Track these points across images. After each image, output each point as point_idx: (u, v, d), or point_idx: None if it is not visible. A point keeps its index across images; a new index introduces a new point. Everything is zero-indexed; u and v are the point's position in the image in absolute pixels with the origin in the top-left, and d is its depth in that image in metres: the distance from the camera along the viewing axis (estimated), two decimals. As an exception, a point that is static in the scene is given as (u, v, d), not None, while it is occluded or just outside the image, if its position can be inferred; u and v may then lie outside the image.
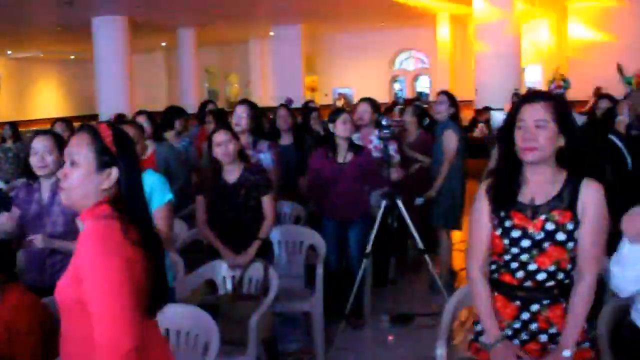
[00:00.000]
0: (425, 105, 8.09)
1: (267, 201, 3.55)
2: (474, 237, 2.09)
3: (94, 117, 15.58)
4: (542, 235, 1.94)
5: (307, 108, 6.80)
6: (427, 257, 4.11)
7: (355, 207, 4.19)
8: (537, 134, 1.90)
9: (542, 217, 1.95)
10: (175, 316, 2.58)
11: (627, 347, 2.13)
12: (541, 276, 1.96)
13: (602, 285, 3.00)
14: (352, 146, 4.19)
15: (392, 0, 14.14)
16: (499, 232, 1.99)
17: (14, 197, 3.11)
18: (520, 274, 1.98)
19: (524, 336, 2.00)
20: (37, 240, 2.80)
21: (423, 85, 22.10)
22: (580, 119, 6.35)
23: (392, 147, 4.56)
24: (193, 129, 6.52)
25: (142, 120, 4.62)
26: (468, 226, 2.14)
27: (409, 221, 4.09)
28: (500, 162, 2.05)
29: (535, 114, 1.91)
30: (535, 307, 1.98)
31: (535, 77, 19.51)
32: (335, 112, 4.31)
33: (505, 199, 1.99)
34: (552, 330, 1.98)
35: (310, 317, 3.79)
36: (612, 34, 14.82)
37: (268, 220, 3.55)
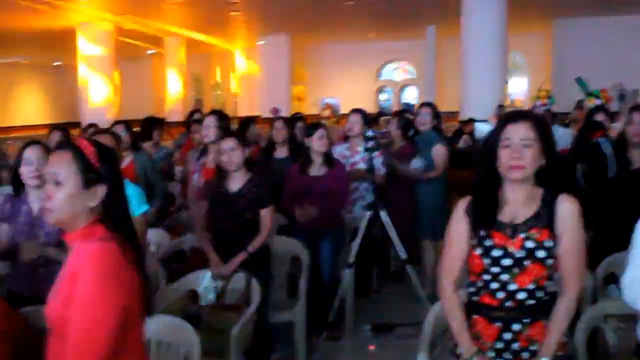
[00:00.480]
0: (412, 117, 8.14)
1: (265, 214, 3.51)
2: (449, 254, 2.09)
3: (77, 124, 15.47)
4: (522, 253, 1.95)
5: (294, 118, 6.81)
6: (409, 267, 4.13)
7: (326, 220, 4.16)
8: (524, 153, 1.93)
9: (522, 235, 1.97)
10: (156, 327, 2.56)
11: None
12: (521, 295, 1.97)
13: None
14: (327, 160, 4.20)
15: (380, 12, 14.24)
16: (478, 252, 2.00)
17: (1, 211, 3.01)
18: (500, 295, 1.99)
19: (506, 356, 2.01)
20: (31, 250, 2.75)
21: (409, 96, 22.24)
22: (565, 132, 6.44)
23: (378, 160, 4.58)
24: (180, 137, 6.52)
25: (119, 130, 4.60)
26: (445, 243, 2.13)
27: (392, 232, 4.10)
28: (481, 181, 2.05)
29: (521, 133, 1.94)
30: (516, 327, 1.99)
31: (519, 89, 19.77)
32: (312, 126, 4.32)
33: (485, 218, 2.00)
34: (534, 348, 2.00)
35: (293, 327, 3.79)
36: (600, 50, 15.00)
37: (262, 234, 3.50)
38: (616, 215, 3.09)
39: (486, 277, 2.00)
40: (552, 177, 1.99)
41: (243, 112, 18.89)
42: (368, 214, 4.16)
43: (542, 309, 1.99)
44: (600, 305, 2.59)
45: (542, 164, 1.96)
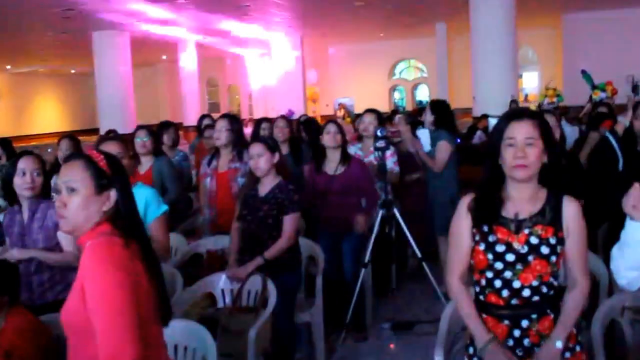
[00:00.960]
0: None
1: (287, 221, 3.47)
2: (454, 250, 2.11)
3: (95, 131, 15.64)
4: (526, 249, 1.96)
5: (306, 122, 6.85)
6: (425, 265, 4.12)
7: (348, 219, 4.16)
8: (528, 152, 1.93)
9: (526, 231, 1.97)
10: (173, 331, 2.56)
11: None
12: (526, 292, 1.98)
13: (597, 288, 3.03)
14: (344, 157, 4.20)
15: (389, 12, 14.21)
16: (482, 247, 2.00)
17: (4, 225, 3.08)
18: (505, 293, 1.99)
19: (518, 353, 2.01)
20: (11, 254, 2.78)
21: (422, 94, 22.19)
22: (572, 130, 6.40)
23: (392, 159, 4.58)
24: (194, 141, 6.58)
25: (142, 135, 4.67)
26: (449, 240, 2.14)
27: (406, 230, 4.10)
28: (485, 178, 2.05)
29: (525, 132, 1.94)
30: (525, 323, 2.00)
31: (532, 84, 19.62)
32: (325, 124, 4.32)
33: (488, 214, 2.00)
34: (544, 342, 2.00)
35: (311, 327, 3.80)
36: (610, 43, 14.83)
37: (281, 240, 3.45)
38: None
39: (489, 274, 2.00)
40: (555, 176, 2.01)
41: (258, 114, 18.95)
42: (381, 212, 4.15)
43: (548, 303, 2.00)
44: (617, 297, 2.57)
45: (544, 162, 1.97)
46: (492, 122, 9.10)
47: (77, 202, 1.68)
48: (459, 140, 6.00)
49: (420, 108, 13.64)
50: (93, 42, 14.15)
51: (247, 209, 3.54)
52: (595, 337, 2.43)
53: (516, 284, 1.97)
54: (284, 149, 5.11)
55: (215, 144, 4.42)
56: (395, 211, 4.13)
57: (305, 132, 5.92)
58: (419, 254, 4.13)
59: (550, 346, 1.96)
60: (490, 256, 1.98)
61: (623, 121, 3.78)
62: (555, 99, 10.65)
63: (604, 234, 3.60)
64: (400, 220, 4.12)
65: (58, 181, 1.73)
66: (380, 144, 4.19)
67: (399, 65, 22.42)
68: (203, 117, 6.93)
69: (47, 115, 24.15)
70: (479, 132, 9.35)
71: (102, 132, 13.35)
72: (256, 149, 3.50)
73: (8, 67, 21.13)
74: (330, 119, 4.63)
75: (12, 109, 22.47)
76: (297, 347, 3.87)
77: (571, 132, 6.19)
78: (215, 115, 6.03)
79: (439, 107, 5.07)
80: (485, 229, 2.00)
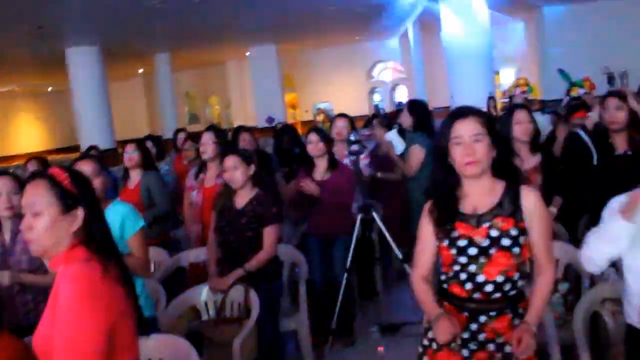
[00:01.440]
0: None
1: (267, 233, 3.45)
2: (419, 250, 2.17)
3: (76, 148, 15.49)
4: (487, 242, 1.99)
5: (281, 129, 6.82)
6: (407, 266, 4.12)
7: (337, 225, 4.17)
8: (475, 148, 1.96)
9: (486, 224, 2.00)
10: (155, 346, 2.56)
11: (632, 350, 2.17)
12: (489, 288, 2.00)
13: (579, 281, 3.05)
14: (331, 163, 4.20)
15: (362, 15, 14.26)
16: (446, 243, 2.05)
17: None
18: (469, 286, 2.02)
19: (472, 346, 2.04)
20: (4, 277, 2.74)
21: (402, 95, 22.28)
22: (545, 119, 6.43)
23: (364, 162, 4.59)
24: (171, 155, 6.53)
25: (130, 149, 4.63)
26: (416, 241, 2.20)
27: (386, 232, 4.10)
28: (438, 179, 2.09)
29: (470, 129, 1.98)
30: (483, 319, 2.02)
31: (509, 80, 19.77)
32: (307, 133, 4.34)
33: (448, 213, 2.04)
34: (499, 340, 2.02)
35: (297, 334, 3.78)
36: (586, 36, 14.98)
37: (262, 253, 3.44)
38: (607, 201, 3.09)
39: (455, 267, 2.04)
40: (509, 168, 2.05)
41: (238, 123, 18.91)
42: (360, 216, 4.16)
43: (508, 303, 2.02)
44: (598, 289, 2.59)
45: (493, 156, 2.00)
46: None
47: (43, 225, 1.63)
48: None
49: (398, 110, 13.72)
50: (67, 59, 14.03)
51: (224, 221, 3.52)
52: (577, 328, 2.45)
53: (480, 278, 2.00)
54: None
55: (201, 156, 4.40)
56: (375, 214, 4.13)
57: (282, 140, 5.90)
58: (399, 256, 4.13)
59: (526, 326, 1.97)
60: (453, 251, 2.03)
61: (593, 116, 3.79)
62: (526, 88, 10.73)
63: (583, 227, 3.62)
64: (380, 223, 4.13)
65: (22, 203, 1.69)
66: (354, 148, 4.20)
67: (376, 67, 22.50)
68: (178, 131, 6.89)
69: (27, 135, 23.87)
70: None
71: (83, 149, 13.28)
72: (230, 161, 3.48)
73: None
74: (313, 127, 4.63)
75: (-11, 130, 22.23)
76: (284, 355, 3.85)
77: (543, 122, 6.20)
78: (195, 127, 6.01)
79: (416, 108, 5.08)
80: (448, 227, 2.04)
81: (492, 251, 1.98)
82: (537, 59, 16.31)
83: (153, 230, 4.51)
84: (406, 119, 5.00)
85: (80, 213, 1.67)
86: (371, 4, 13.12)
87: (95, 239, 1.69)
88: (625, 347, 2.19)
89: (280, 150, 5.77)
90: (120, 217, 2.88)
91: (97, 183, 2.84)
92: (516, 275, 2.00)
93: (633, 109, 3.41)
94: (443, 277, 2.10)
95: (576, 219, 3.72)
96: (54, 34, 12.33)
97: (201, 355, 3.24)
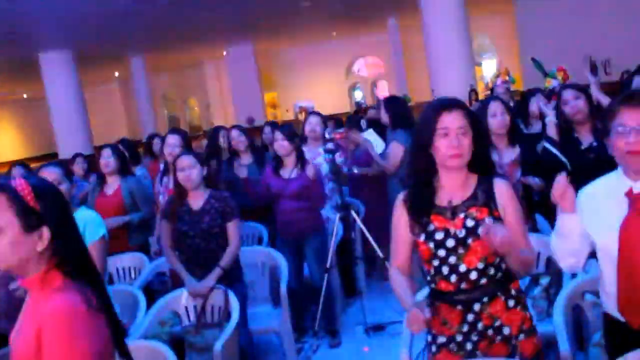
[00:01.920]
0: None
1: (231, 227, 3.47)
2: (394, 243, 2.17)
3: (54, 155, 15.28)
4: (464, 232, 2.00)
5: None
6: (387, 264, 4.09)
7: (306, 223, 4.16)
8: (461, 141, 1.97)
9: (461, 215, 2.01)
10: (135, 353, 2.51)
11: (611, 341, 2.15)
12: (473, 275, 2.00)
13: (560, 275, 3.03)
14: (299, 161, 4.18)
15: (338, 10, 14.22)
16: (422, 237, 2.04)
17: None
18: (454, 278, 2.02)
19: (474, 337, 2.03)
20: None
21: (382, 90, 22.29)
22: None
23: (340, 159, 4.56)
24: (144, 161, 6.42)
25: (105, 155, 4.55)
26: (391, 236, 2.19)
27: (365, 231, 4.08)
28: (417, 169, 2.07)
29: (457, 121, 1.98)
30: (477, 307, 2.02)
31: (491, 72, 19.86)
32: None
33: (423, 205, 2.04)
34: (497, 324, 2.02)
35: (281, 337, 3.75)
36: (562, 24, 15.05)
37: (231, 248, 3.46)
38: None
39: (435, 262, 2.04)
40: (484, 162, 2.05)
41: (219, 124, 18.79)
42: (338, 216, 4.13)
43: (497, 285, 2.03)
44: (578, 282, 2.58)
45: (474, 150, 2.00)
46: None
47: (5, 244, 1.48)
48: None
49: (358, 109, 13.71)
50: (40, 64, 13.83)
51: (186, 226, 3.48)
52: (557, 321, 2.44)
53: (462, 268, 2.00)
54: (247, 158, 5.03)
55: (167, 159, 4.35)
56: (353, 213, 4.11)
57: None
58: (381, 254, 4.10)
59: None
60: (431, 245, 2.03)
61: (551, 121, 3.68)
62: (507, 77, 10.70)
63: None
64: (359, 222, 4.10)
65: None
66: (330, 146, 4.17)
67: (356, 63, 22.47)
68: (152, 136, 6.79)
69: (2, 143, 23.55)
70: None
71: (61, 156, 13.09)
72: (186, 161, 3.45)
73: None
74: (278, 125, 4.61)
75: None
76: (269, 358, 3.82)
77: None
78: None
79: (393, 104, 5.03)
80: (423, 220, 2.04)
81: (470, 241, 1.98)
82: (517, 50, 16.36)
83: (136, 236, 4.49)
84: (384, 116, 4.95)
85: (45, 232, 1.52)
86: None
87: (70, 261, 1.56)
88: (604, 338, 2.18)
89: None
90: (83, 224, 2.81)
91: (62, 190, 2.78)
92: (497, 260, 2.01)
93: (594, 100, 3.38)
94: (428, 278, 2.09)
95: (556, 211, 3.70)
96: (25, 39, 12.13)
97: (183, 360, 3.22)
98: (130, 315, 3.36)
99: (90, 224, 2.87)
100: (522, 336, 2.02)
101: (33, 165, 7.08)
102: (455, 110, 1.99)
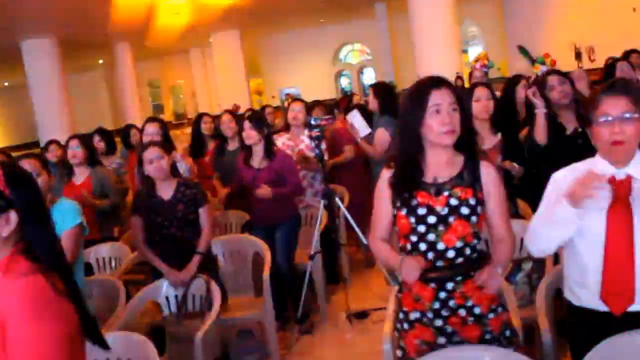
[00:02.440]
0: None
1: (204, 213, 3.52)
2: (375, 216, 2.17)
3: (36, 144, 15.11)
4: (446, 210, 2.00)
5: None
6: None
7: (279, 211, 4.16)
8: (452, 117, 1.97)
9: (446, 193, 2.01)
10: (114, 344, 2.48)
11: (570, 328, 2.17)
12: (450, 254, 2.01)
13: (542, 261, 3.02)
14: (267, 151, 4.15)
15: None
16: (404, 212, 2.03)
17: None
18: (430, 255, 2.02)
19: (444, 313, 2.04)
20: None
21: (369, 77, 22.22)
22: None
23: (323, 145, 4.51)
24: (121, 152, 6.34)
25: (73, 145, 4.56)
26: (373, 208, 2.19)
27: (349, 217, 4.06)
28: (406, 146, 2.07)
29: (448, 97, 1.98)
30: (450, 285, 2.03)
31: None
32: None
33: (409, 181, 2.04)
34: (469, 304, 2.04)
35: (263, 326, 3.73)
36: (548, 12, 15.03)
37: (205, 233, 3.50)
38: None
39: (414, 238, 2.03)
40: (469, 141, 2.06)
41: (204, 112, 18.62)
42: (323, 202, 4.10)
43: (472, 266, 2.03)
44: (561, 268, 2.56)
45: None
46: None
47: None
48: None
49: (347, 95, 13.69)
50: (22, 51, 13.61)
51: (160, 217, 3.46)
52: (539, 308, 2.43)
53: (440, 246, 2.00)
54: (234, 144, 5.00)
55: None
56: (338, 200, 4.08)
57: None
58: (364, 241, 4.08)
59: (492, 268, 2.00)
60: (412, 220, 2.02)
61: (541, 111, 3.61)
62: (487, 62, 10.71)
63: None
64: (343, 208, 4.08)
65: None
66: (315, 132, 4.13)
67: (342, 49, 22.36)
68: (129, 126, 6.73)
69: (-16, 132, 23.27)
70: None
71: (43, 144, 12.92)
72: (154, 152, 3.44)
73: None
74: (249, 114, 4.59)
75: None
76: (252, 348, 3.80)
77: None
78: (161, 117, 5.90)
79: (381, 90, 5.03)
80: (406, 195, 2.03)
81: (451, 219, 1.99)
82: (504, 37, 16.34)
83: (107, 227, 4.53)
84: (372, 103, 4.94)
85: (12, 217, 1.51)
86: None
87: (38, 248, 1.54)
88: (572, 335, 2.18)
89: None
90: (60, 213, 2.83)
91: (39, 182, 2.77)
92: (474, 241, 2.02)
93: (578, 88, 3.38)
94: (403, 253, 2.08)
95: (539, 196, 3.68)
96: (7, 26, 11.92)
97: (164, 351, 3.19)
98: (110, 305, 3.32)
99: (68, 212, 2.87)
100: (491, 315, 2.04)
101: (14, 154, 6.99)
102: (445, 87, 2.00)
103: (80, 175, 4.53)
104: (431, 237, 2.00)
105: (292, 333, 4.17)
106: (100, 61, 20.79)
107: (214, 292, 3.21)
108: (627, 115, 1.91)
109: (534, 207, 3.50)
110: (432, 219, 2.00)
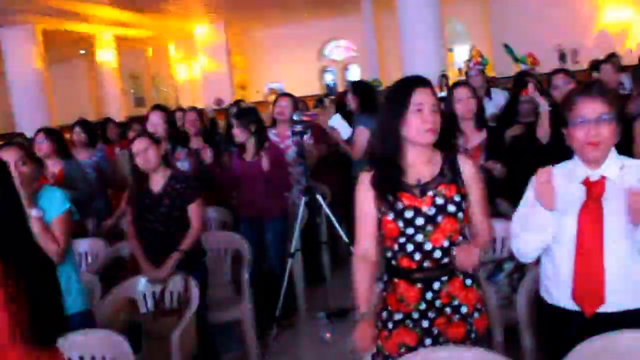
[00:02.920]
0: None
1: (192, 210, 3.38)
2: (360, 223, 2.12)
3: (16, 135, 14.86)
4: (433, 210, 1.99)
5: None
6: (352, 249, 4.05)
7: (269, 206, 4.12)
8: (434, 116, 1.98)
9: (430, 193, 2.00)
10: (88, 342, 2.47)
11: (546, 326, 2.18)
12: (437, 254, 2.00)
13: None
14: (260, 144, 4.13)
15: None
16: (391, 216, 2.01)
17: None
18: (417, 256, 2.01)
19: (430, 314, 2.03)
20: None
21: (354, 74, 22.19)
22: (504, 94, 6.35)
23: (307, 137, 4.48)
24: (99, 146, 6.25)
25: (39, 138, 4.49)
26: (356, 214, 2.14)
27: (331, 215, 4.04)
28: (388, 147, 2.04)
29: (430, 98, 1.99)
30: (436, 285, 2.02)
31: (464, 58, 19.84)
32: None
33: (392, 183, 2.02)
34: (455, 302, 2.04)
35: (241, 325, 3.68)
36: (533, 12, 15.10)
37: (192, 231, 3.37)
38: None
39: (402, 240, 2.02)
40: (447, 138, 2.11)
41: (186, 105, 18.49)
42: (304, 199, 4.07)
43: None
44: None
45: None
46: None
47: None
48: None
49: (328, 92, 13.65)
50: (1, 40, 13.36)
51: (146, 209, 3.38)
52: (520, 308, 2.43)
53: (427, 246, 1.99)
54: (197, 141, 4.89)
55: None
56: (319, 197, 4.05)
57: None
58: (346, 239, 4.05)
59: (469, 245, 2.03)
60: (400, 224, 2.00)
61: (545, 110, 3.57)
62: (480, 59, 10.71)
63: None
64: (324, 206, 4.05)
65: None
66: (298, 128, 4.10)
67: (328, 46, 22.30)
68: (106, 120, 6.61)
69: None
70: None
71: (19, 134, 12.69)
72: (141, 144, 3.35)
73: None
74: (237, 112, 4.55)
75: None
76: (228, 346, 3.74)
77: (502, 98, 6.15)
78: (141, 111, 5.82)
79: (360, 89, 5.01)
80: (390, 198, 2.01)
81: (439, 219, 1.99)
82: (489, 37, 16.42)
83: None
84: (352, 101, 4.92)
85: None
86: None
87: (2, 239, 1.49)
88: (544, 334, 2.19)
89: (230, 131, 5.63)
90: (48, 200, 2.81)
91: (24, 171, 2.78)
92: (459, 239, 2.03)
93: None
94: (389, 254, 2.06)
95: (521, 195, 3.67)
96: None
97: (140, 349, 3.13)
98: (84, 301, 3.25)
99: (55, 199, 2.84)
100: (476, 314, 2.05)
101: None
102: (428, 87, 2.01)
103: (51, 169, 4.44)
104: (419, 238, 1.99)
105: (271, 332, 4.12)
106: (82, 52, 20.51)
107: (192, 290, 3.15)
108: (604, 117, 1.93)
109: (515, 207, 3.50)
110: (420, 221, 1.99)
